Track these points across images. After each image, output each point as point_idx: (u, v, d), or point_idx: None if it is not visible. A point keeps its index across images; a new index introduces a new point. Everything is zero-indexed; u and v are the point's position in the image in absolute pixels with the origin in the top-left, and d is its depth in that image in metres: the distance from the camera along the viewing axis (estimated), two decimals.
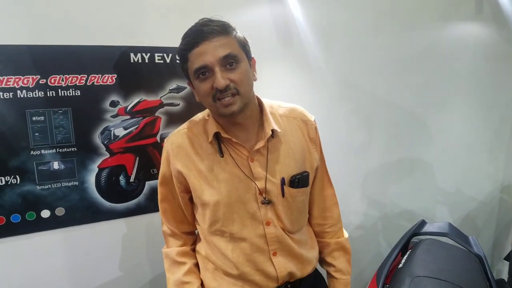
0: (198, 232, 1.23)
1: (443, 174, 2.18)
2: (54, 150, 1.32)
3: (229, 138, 1.06)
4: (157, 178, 1.44)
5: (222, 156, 1.07)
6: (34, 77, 1.26)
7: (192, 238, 1.25)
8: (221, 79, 0.94)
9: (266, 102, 1.13)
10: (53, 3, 1.24)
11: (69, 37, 1.28)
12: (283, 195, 1.10)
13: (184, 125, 1.15)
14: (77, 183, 1.37)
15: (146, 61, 1.38)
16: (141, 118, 1.41)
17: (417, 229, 1.62)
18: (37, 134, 1.29)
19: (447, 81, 2.06)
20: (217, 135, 1.07)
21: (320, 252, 1.27)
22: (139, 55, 1.37)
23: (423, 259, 1.38)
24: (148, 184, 1.47)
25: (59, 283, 1.43)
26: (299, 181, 1.12)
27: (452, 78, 2.07)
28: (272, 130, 1.06)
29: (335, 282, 1.26)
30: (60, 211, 1.37)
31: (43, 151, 1.31)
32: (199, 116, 1.16)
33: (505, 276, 1.87)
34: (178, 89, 1.45)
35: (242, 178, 1.08)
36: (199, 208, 1.14)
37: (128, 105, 1.38)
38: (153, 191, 1.48)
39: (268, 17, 1.56)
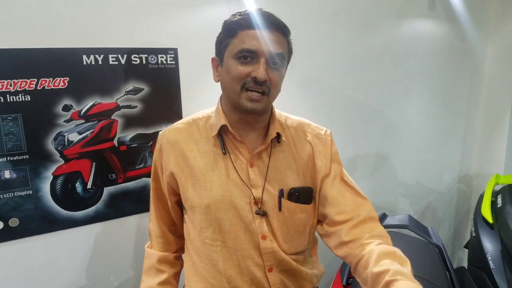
0: (185, 241, 1.15)
1: (403, 167, 2.25)
2: (5, 158, 1.26)
3: (234, 134, 1.00)
4: (115, 184, 1.43)
5: (225, 153, 1.01)
6: None
7: (177, 242, 1.19)
8: (263, 71, 0.90)
9: (276, 110, 1.09)
10: None
11: (15, 39, 1.22)
12: (279, 208, 1.03)
13: (183, 120, 1.10)
14: (31, 192, 1.31)
15: (100, 62, 1.34)
16: (97, 122, 1.37)
17: None
18: None
19: (404, 78, 2.12)
20: (220, 131, 1.02)
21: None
22: (92, 56, 1.32)
23: None
24: (107, 190, 1.43)
25: None
26: (299, 195, 1.04)
27: (408, 74, 2.13)
28: (277, 133, 1.03)
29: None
30: (14, 222, 1.31)
31: None
32: (201, 112, 1.10)
33: (465, 264, 1.94)
34: (135, 91, 1.41)
35: (238, 183, 1.01)
36: (188, 211, 1.07)
37: (82, 109, 1.34)
38: (112, 197, 1.44)
39: (226, 15, 1.55)
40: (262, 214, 1.02)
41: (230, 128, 1.00)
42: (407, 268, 0.82)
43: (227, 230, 1.02)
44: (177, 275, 1.19)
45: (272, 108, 1.06)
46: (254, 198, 1.01)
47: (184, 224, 1.14)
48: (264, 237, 1.02)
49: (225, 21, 0.98)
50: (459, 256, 2.65)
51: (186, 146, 1.04)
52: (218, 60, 1.00)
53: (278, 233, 1.04)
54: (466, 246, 2.08)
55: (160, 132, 1.11)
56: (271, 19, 0.93)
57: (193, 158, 1.03)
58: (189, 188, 1.03)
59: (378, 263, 0.84)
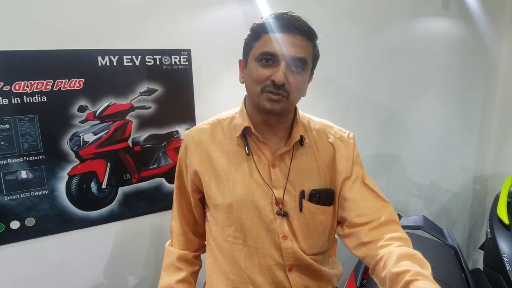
0: (207, 239, 1.16)
1: (417, 168, 2.23)
2: (21, 158, 1.28)
3: (257, 135, 1.01)
4: (129, 184, 1.45)
5: (248, 154, 1.02)
6: None
7: (198, 242, 1.20)
8: (282, 74, 0.91)
9: (300, 112, 1.09)
10: (14, 7, 1.19)
11: (32, 41, 1.23)
12: (300, 209, 1.04)
13: (208, 120, 1.11)
14: (46, 192, 1.33)
15: (115, 64, 1.35)
16: (111, 122, 1.38)
17: None
18: (2, 143, 1.24)
19: (418, 77, 2.09)
20: (243, 132, 1.03)
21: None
22: (107, 58, 1.33)
23: None
24: (121, 190, 1.44)
25: None
26: (320, 196, 1.05)
27: (422, 74, 2.11)
28: (301, 136, 1.03)
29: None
30: (30, 222, 1.33)
31: (9, 160, 1.26)
32: (225, 113, 1.12)
33: (481, 265, 1.91)
34: (149, 92, 1.42)
35: (260, 183, 1.02)
36: (212, 209, 1.09)
37: (97, 110, 1.35)
38: (127, 197, 1.46)
39: (239, 15, 1.55)
40: (283, 214, 1.03)
41: (253, 130, 1.01)
42: (428, 271, 0.80)
43: (249, 229, 1.03)
44: (195, 274, 1.19)
45: (296, 110, 1.07)
46: (275, 198, 1.02)
47: (206, 222, 1.15)
48: (285, 237, 1.03)
49: (253, 24, 0.99)
50: (474, 257, 2.61)
51: (210, 146, 1.06)
52: (244, 62, 1.02)
53: (298, 234, 1.05)
54: (481, 248, 2.06)
55: (186, 132, 1.13)
56: (295, 23, 0.93)
57: (217, 158, 1.05)
58: (213, 186, 1.05)
59: (397, 264, 0.82)
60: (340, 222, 1.09)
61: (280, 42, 0.92)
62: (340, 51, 1.82)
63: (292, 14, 0.96)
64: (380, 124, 2.03)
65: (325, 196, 1.06)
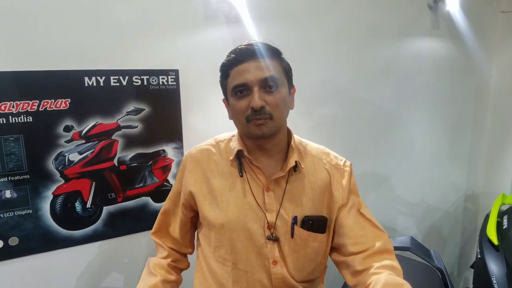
0: (197, 258, 1.16)
1: (406, 186, 2.23)
2: (6, 178, 1.28)
3: (250, 159, 1.03)
4: (114, 203, 1.45)
5: (242, 176, 1.04)
6: None
7: (176, 255, 1.18)
8: (258, 99, 0.93)
9: (296, 137, 1.11)
10: (0, 28, 1.20)
11: (19, 62, 1.24)
12: (292, 235, 1.03)
13: (207, 141, 1.14)
14: (31, 211, 1.33)
15: (101, 84, 1.36)
16: (97, 142, 1.38)
17: None
18: None
19: (407, 95, 2.11)
20: (238, 155, 1.05)
21: None
22: (93, 78, 1.34)
23: None
24: (106, 209, 1.44)
25: None
26: (312, 223, 1.04)
27: (412, 92, 2.12)
28: (296, 162, 1.03)
29: None
30: (13, 241, 1.32)
31: None
32: (224, 135, 1.14)
33: (471, 285, 1.90)
34: (136, 111, 1.43)
35: (253, 206, 1.02)
36: (204, 229, 1.09)
37: (83, 130, 1.35)
38: (112, 216, 1.45)
39: (227, 36, 1.56)
40: (274, 239, 1.02)
41: (246, 153, 1.03)
42: None
43: (239, 251, 1.03)
44: (168, 283, 1.12)
45: (291, 135, 1.08)
46: (267, 222, 1.02)
47: (198, 242, 1.15)
48: (275, 262, 1.03)
49: (221, 63, 1.03)
50: (465, 276, 2.60)
51: (207, 166, 1.08)
52: (226, 101, 1.06)
53: (288, 260, 1.04)
54: (472, 266, 2.05)
55: (186, 152, 1.15)
56: (254, 47, 0.97)
57: (213, 178, 1.06)
58: (207, 206, 1.05)
59: None
60: (336, 248, 1.09)
61: (246, 71, 0.95)
62: (329, 69, 1.83)
63: (250, 42, 0.99)
64: (369, 142, 2.04)
65: (317, 223, 1.05)
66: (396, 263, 0.97)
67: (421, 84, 2.14)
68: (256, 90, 0.94)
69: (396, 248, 1.61)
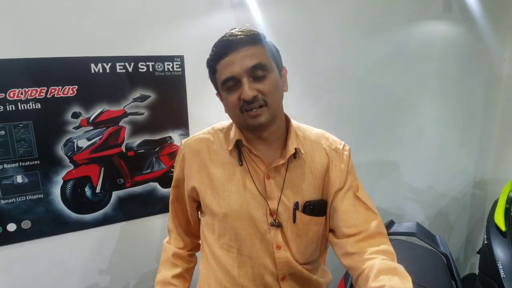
0: (201, 244, 1.18)
1: (415, 172, 2.21)
2: (17, 164, 1.31)
3: (249, 148, 1.03)
4: (123, 188, 1.47)
5: (241, 165, 1.04)
6: None
7: (192, 242, 1.23)
8: (248, 90, 0.92)
9: (294, 122, 1.10)
10: (8, 15, 1.22)
11: (26, 49, 1.26)
12: (294, 220, 1.05)
13: (205, 130, 1.12)
14: (42, 196, 1.36)
15: (108, 71, 1.37)
16: (105, 128, 1.40)
17: None
18: None
19: (417, 81, 2.08)
20: (237, 144, 1.04)
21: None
22: (99, 65, 1.35)
23: None
24: (115, 194, 1.47)
25: None
26: (313, 208, 1.05)
27: (421, 78, 2.09)
28: (296, 149, 1.03)
29: None
30: (26, 224, 1.36)
31: (5, 165, 1.30)
32: (222, 123, 1.13)
33: (477, 270, 1.91)
34: (142, 98, 1.44)
35: (255, 194, 1.03)
36: (208, 217, 1.10)
37: (91, 116, 1.37)
38: (121, 201, 1.49)
39: (232, 21, 1.55)
40: (277, 225, 1.04)
41: (244, 142, 1.03)
42: (407, 284, 0.82)
43: (243, 239, 1.05)
44: (190, 270, 1.23)
45: (289, 121, 1.08)
46: (269, 209, 1.03)
47: (201, 229, 1.17)
48: (278, 247, 1.05)
49: (207, 59, 1.00)
50: (472, 261, 2.60)
51: (206, 156, 1.07)
52: (219, 96, 1.05)
53: (292, 244, 1.06)
54: (479, 252, 2.04)
55: (182, 141, 1.13)
56: (235, 38, 0.94)
57: (213, 169, 1.06)
58: (209, 196, 1.06)
59: (376, 278, 0.85)
60: (331, 230, 1.10)
61: (232, 64, 0.93)
62: (338, 55, 1.81)
63: (232, 32, 0.96)
64: (378, 129, 2.02)
65: (318, 207, 1.06)
66: (389, 247, 0.98)
67: (431, 69, 2.10)
68: (246, 81, 0.92)
69: (401, 234, 1.62)
